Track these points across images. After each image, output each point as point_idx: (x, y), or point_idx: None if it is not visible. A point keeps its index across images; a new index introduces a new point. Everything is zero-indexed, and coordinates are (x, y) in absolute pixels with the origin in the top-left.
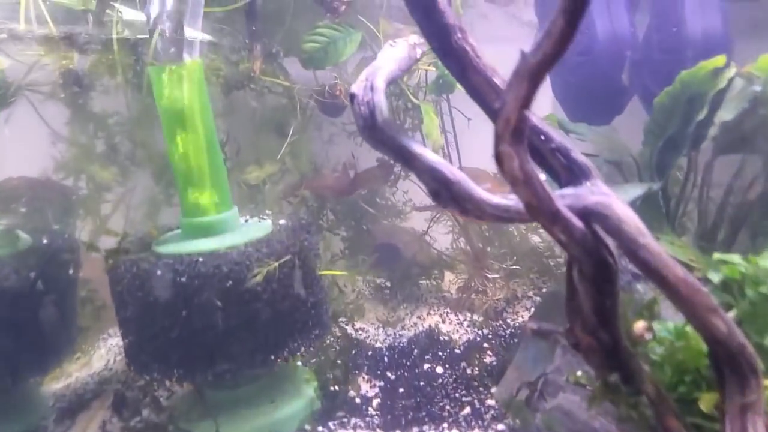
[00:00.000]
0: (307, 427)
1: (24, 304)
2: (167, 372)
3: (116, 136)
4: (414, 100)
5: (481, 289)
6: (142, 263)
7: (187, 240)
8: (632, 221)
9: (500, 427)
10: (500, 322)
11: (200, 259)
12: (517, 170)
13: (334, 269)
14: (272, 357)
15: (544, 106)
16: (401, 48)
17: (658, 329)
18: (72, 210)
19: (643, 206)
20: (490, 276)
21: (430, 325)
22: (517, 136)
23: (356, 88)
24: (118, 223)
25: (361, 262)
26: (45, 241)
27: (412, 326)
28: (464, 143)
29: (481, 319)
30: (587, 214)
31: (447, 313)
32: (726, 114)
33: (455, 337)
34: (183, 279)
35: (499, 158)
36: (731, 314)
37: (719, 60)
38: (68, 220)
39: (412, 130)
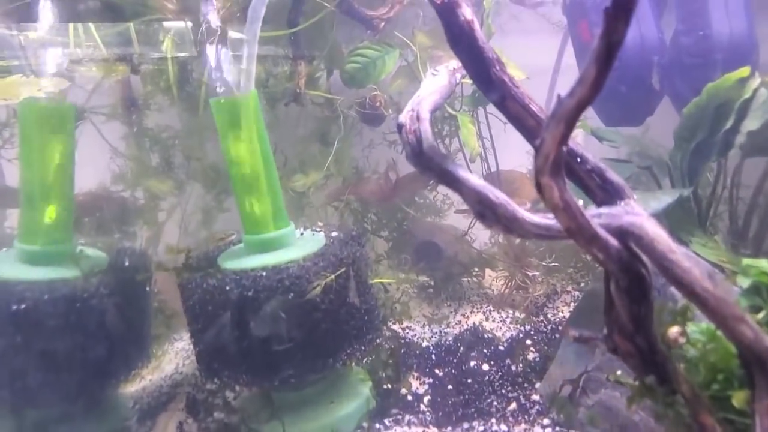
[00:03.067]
0: (365, 424)
1: (109, 317)
2: (237, 377)
3: (169, 149)
4: (451, 111)
5: (521, 285)
6: (211, 279)
7: (249, 255)
8: (663, 240)
9: (545, 421)
10: (541, 317)
11: (264, 274)
12: (557, 199)
13: (379, 269)
14: (331, 361)
15: None
16: (442, 77)
17: (692, 331)
18: (132, 220)
19: (675, 210)
20: (530, 273)
21: (474, 323)
22: (556, 170)
23: (403, 118)
24: (173, 230)
25: (403, 262)
26: (126, 263)
27: (456, 324)
28: (500, 144)
29: (522, 315)
30: (622, 234)
31: (490, 310)
32: (752, 123)
33: (498, 334)
34: (249, 293)
35: (540, 189)
36: (761, 315)
37: (744, 71)
38: (129, 229)
39: (450, 137)
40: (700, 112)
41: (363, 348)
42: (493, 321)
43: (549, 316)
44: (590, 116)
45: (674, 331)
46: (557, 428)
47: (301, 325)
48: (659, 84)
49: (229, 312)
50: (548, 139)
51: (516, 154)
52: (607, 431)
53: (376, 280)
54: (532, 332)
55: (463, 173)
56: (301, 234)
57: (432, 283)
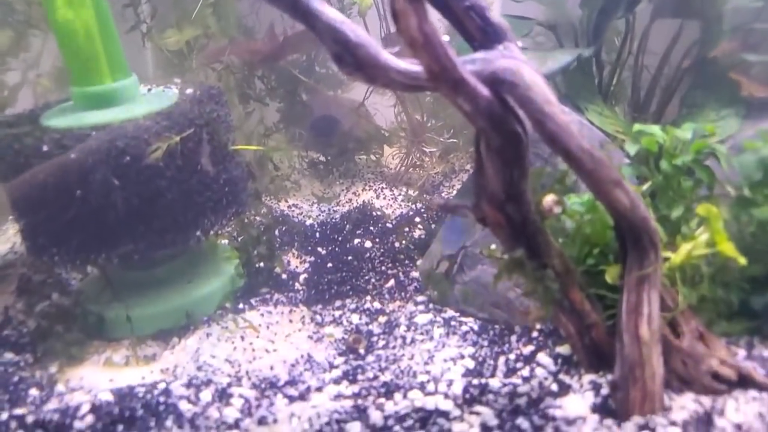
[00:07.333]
0: (228, 305)
1: None
2: (66, 255)
3: None
4: None
5: (418, 163)
6: (27, 138)
7: (79, 112)
8: (540, 89)
9: (420, 299)
10: (435, 195)
11: (92, 133)
12: (415, 30)
13: (269, 144)
14: (181, 237)
15: None
16: None
17: (572, 202)
18: None
19: (575, 74)
20: (427, 150)
21: (364, 201)
22: None
23: None
24: (27, 93)
25: (297, 136)
26: None
27: (346, 202)
28: None
29: (415, 193)
30: (495, 81)
31: (382, 188)
32: None
33: (388, 211)
34: (73, 155)
35: (395, 16)
36: (645, 187)
37: None
38: None
39: None
40: None
41: (222, 223)
42: (384, 199)
43: (443, 194)
44: None
45: (549, 199)
46: (431, 305)
47: (140, 194)
48: None
49: (49, 178)
50: None
51: None
52: (480, 308)
53: (237, 147)
54: (422, 210)
55: (317, 5)
56: (149, 90)
57: (324, 160)
